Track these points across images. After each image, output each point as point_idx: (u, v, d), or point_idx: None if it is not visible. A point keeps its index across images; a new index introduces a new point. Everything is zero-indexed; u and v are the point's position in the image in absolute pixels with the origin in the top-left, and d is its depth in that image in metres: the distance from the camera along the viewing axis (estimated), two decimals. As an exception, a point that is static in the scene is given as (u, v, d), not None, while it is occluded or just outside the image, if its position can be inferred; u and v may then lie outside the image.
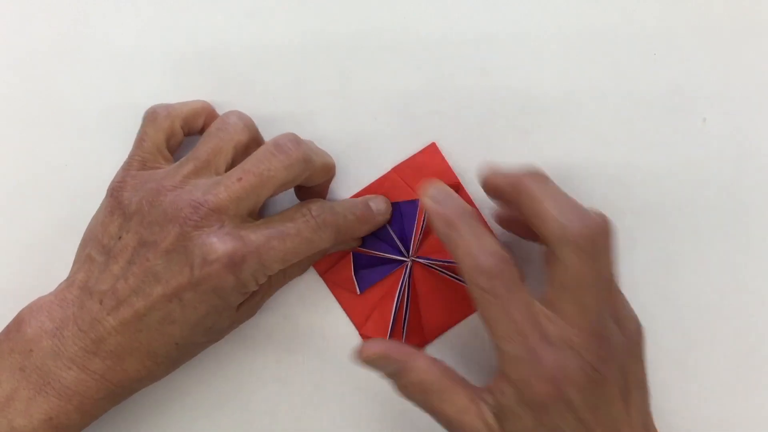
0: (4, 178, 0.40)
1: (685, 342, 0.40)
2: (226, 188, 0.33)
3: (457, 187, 0.39)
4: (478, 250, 0.32)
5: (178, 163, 0.36)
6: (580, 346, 0.31)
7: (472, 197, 0.39)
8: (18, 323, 0.34)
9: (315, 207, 0.35)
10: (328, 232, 0.35)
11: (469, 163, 0.40)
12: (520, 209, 0.33)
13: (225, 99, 0.40)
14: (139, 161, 0.36)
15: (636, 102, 0.40)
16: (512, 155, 0.40)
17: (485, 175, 0.35)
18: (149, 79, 0.40)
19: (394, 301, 0.39)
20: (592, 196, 0.40)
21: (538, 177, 0.34)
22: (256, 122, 0.39)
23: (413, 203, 0.39)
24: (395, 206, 0.39)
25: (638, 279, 0.39)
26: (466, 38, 0.40)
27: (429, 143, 0.39)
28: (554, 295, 0.32)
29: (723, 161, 0.40)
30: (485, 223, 0.35)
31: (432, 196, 0.34)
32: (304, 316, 0.40)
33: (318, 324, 0.40)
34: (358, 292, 0.39)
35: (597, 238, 0.32)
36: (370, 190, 0.39)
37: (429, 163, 0.39)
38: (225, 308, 0.34)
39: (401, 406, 0.39)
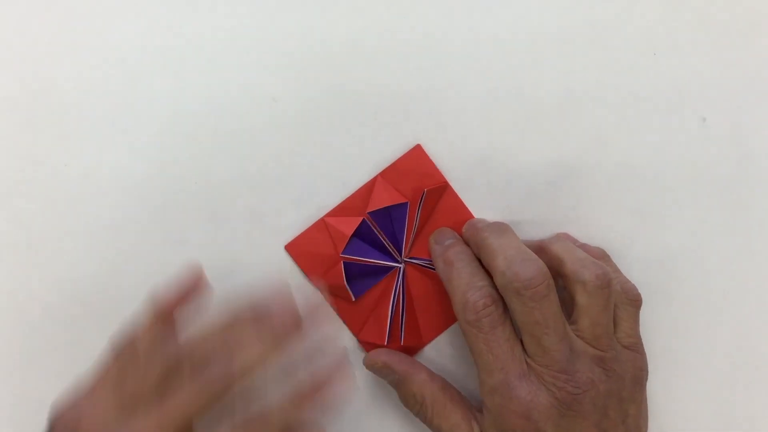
0: (4, 178, 0.40)
1: (685, 342, 0.40)
2: (152, 423, 0.31)
3: (445, 188, 0.39)
4: (468, 287, 0.35)
5: (95, 388, 0.33)
6: (551, 384, 0.33)
7: (460, 196, 0.40)
8: None
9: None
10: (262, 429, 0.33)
11: (468, 164, 0.40)
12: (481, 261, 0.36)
13: (224, 99, 0.40)
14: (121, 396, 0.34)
15: (636, 102, 0.40)
16: (512, 156, 0.40)
17: (462, 231, 0.39)
18: (149, 79, 0.40)
19: (389, 304, 0.39)
20: (592, 197, 0.40)
21: (498, 230, 0.37)
22: (257, 123, 0.40)
23: (402, 206, 0.39)
24: (385, 210, 0.39)
25: (638, 279, 0.39)
26: (464, 37, 0.40)
27: (414, 145, 0.40)
28: (522, 337, 0.34)
29: (723, 161, 0.40)
30: (481, 265, 0.37)
31: (436, 239, 0.39)
32: (304, 316, 0.40)
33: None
34: (353, 299, 0.39)
35: (531, 283, 0.33)
36: (359, 195, 0.39)
37: (415, 165, 0.39)
38: None
39: (401, 407, 0.39)
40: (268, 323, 0.34)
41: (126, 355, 0.34)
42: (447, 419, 0.36)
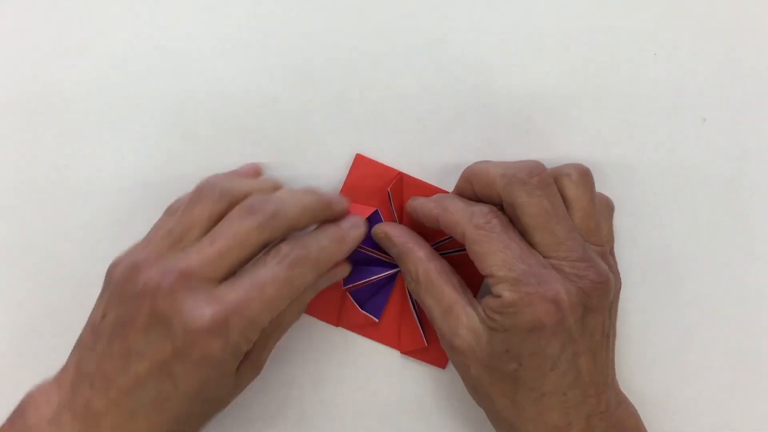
0: (4, 178, 0.40)
1: (685, 342, 0.40)
2: (197, 252, 0.32)
3: (401, 177, 0.39)
4: (467, 205, 0.35)
5: (149, 238, 0.35)
6: (573, 275, 0.33)
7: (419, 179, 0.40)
8: (21, 411, 0.33)
9: (285, 246, 0.34)
10: (304, 267, 0.34)
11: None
12: (477, 193, 0.36)
13: (224, 99, 0.40)
14: (145, 241, 0.35)
15: (636, 102, 0.40)
16: (513, 155, 0.40)
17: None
18: (149, 79, 0.40)
19: (412, 309, 0.39)
20: (592, 196, 0.40)
21: (483, 161, 0.37)
22: (261, 124, 0.40)
23: (375, 215, 0.39)
24: None
25: (638, 279, 0.39)
26: (466, 38, 0.40)
27: (354, 156, 0.40)
28: (530, 240, 0.34)
29: (723, 161, 0.40)
30: None
31: (412, 202, 0.38)
32: (304, 316, 0.40)
33: (318, 324, 0.40)
34: (377, 321, 0.39)
35: (536, 171, 0.34)
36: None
37: (365, 172, 0.39)
38: (222, 375, 0.32)
39: (401, 406, 0.39)
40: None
41: (176, 210, 0.36)
42: (440, 300, 0.34)
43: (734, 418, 0.40)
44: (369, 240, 0.39)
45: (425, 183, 0.39)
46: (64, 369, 0.34)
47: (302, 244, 0.34)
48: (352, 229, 0.36)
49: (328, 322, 0.40)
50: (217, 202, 0.34)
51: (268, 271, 0.33)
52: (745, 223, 0.40)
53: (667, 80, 0.40)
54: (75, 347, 0.34)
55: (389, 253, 0.38)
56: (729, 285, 0.40)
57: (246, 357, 0.34)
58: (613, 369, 0.35)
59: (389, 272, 0.39)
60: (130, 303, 0.32)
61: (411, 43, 0.40)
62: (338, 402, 0.40)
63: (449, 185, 0.39)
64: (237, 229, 0.33)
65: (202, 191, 0.34)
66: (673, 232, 0.40)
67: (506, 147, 0.40)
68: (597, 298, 0.33)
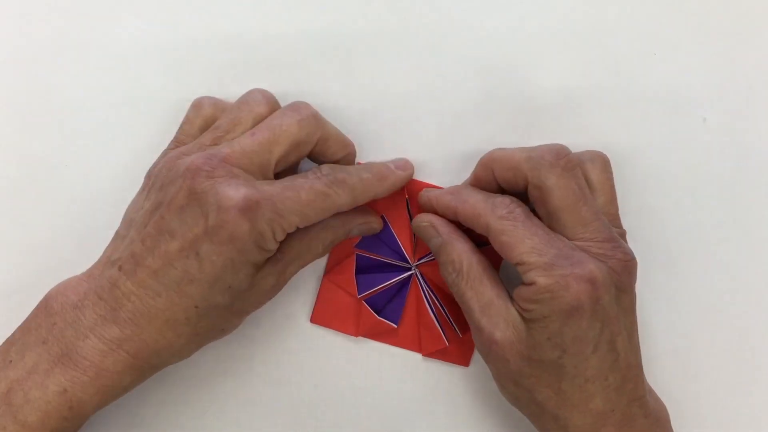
0: (4, 178, 0.40)
1: (685, 342, 0.40)
2: (238, 142, 0.34)
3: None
4: (488, 196, 0.35)
5: (183, 132, 0.37)
6: (601, 255, 0.33)
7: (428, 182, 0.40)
8: (46, 300, 0.34)
9: (325, 167, 0.35)
10: (341, 188, 0.35)
11: (467, 167, 0.40)
12: (498, 179, 0.36)
13: (223, 98, 0.40)
14: (174, 142, 0.37)
15: (636, 102, 0.40)
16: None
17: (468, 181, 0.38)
18: (149, 78, 0.40)
19: (428, 310, 0.39)
20: (592, 196, 0.40)
21: (501, 148, 0.37)
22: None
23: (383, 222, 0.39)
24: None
25: (638, 279, 0.39)
26: (465, 37, 0.40)
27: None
28: (556, 223, 0.34)
29: (723, 161, 0.40)
30: None
31: (425, 194, 0.38)
32: (304, 315, 0.40)
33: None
34: (396, 326, 0.39)
35: (562, 153, 0.34)
36: None
37: None
38: (243, 263, 0.33)
39: (400, 406, 0.39)
40: None
41: (201, 106, 0.38)
42: (481, 294, 0.35)
43: (734, 418, 0.40)
44: (380, 247, 0.39)
45: (426, 183, 0.39)
46: (96, 264, 0.35)
47: (344, 171, 0.35)
48: (398, 170, 0.37)
49: (346, 333, 0.39)
50: (262, 106, 0.36)
51: (307, 182, 0.34)
52: (745, 223, 0.40)
53: (667, 80, 0.40)
54: (109, 244, 0.35)
55: (428, 244, 0.37)
56: (729, 285, 0.40)
57: (271, 262, 0.35)
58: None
59: (403, 275, 0.39)
60: (170, 185, 0.33)
61: (412, 43, 0.40)
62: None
63: (450, 185, 0.39)
64: (277, 122, 0.35)
65: (248, 96, 0.37)
66: (673, 232, 0.40)
67: (506, 147, 0.40)
68: (626, 277, 0.33)
